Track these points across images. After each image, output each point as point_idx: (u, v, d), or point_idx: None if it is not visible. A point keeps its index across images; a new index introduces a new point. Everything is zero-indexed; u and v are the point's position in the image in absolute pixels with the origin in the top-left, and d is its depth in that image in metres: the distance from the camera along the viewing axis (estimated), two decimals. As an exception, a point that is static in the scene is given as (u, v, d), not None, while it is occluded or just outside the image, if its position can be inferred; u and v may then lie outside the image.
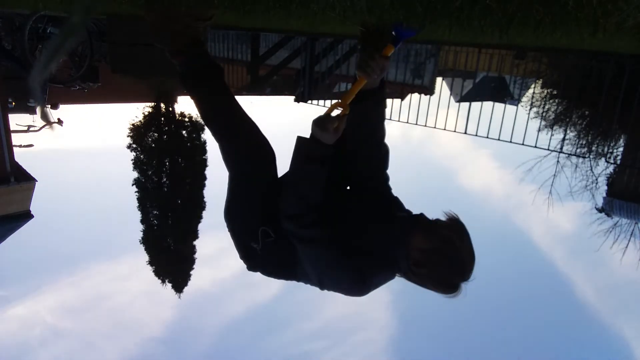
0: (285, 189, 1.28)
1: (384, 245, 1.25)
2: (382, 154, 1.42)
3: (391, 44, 1.20)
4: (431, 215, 1.28)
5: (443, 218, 1.23)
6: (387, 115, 6.81)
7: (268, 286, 14.97)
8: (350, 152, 1.38)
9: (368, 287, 1.26)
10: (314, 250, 1.26)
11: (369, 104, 1.28)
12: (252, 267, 1.47)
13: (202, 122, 1.54)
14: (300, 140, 1.24)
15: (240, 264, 1.50)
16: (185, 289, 13.90)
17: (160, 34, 1.40)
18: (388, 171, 1.46)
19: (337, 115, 1.19)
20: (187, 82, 1.45)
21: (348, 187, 1.48)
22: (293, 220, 1.24)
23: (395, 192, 1.48)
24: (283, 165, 1.54)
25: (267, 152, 1.47)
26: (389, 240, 1.25)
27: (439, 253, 1.18)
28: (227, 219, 1.47)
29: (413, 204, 1.40)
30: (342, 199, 1.38)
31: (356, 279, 1.24)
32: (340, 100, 1.20)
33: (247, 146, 1.44)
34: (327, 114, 1.18)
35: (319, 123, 1.17)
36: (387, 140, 1.42)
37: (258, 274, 1.50)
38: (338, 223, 1.28)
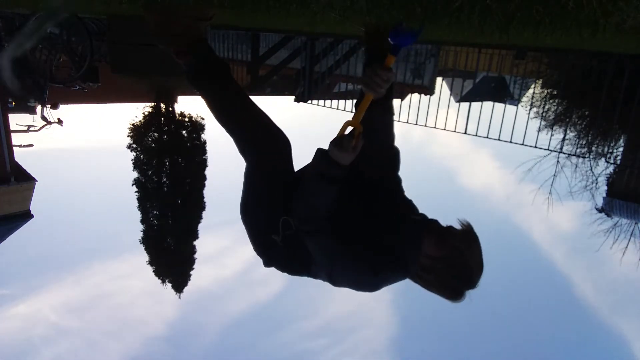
0: (297, 193, 1.28)
1: (396, 246, 1.26)
2: (391, 157, 1.42)
3: (391, 54, 1.15)
4: (446, 220, 1.27)
5: (457, 225, 1.23)
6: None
7: (269, 285, 15.01)
8: (360, 160, 1.36)
9: (380, 281, 1.27)
10: (324, 241, 1.27)
11: (375, 112, 1.27)
12: (269, 261, 1.47)
13: (216, 121, 1.52)
14: (318, 155, 1.22)
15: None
16: (186, 289, 13.92)
17: (160, 35, 1.40)
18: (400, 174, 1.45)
19: (353, 134, 1.17)
20: (194, 81, 1.45)
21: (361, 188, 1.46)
22: (307, 222, 1.26)
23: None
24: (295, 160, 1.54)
25: (282, 142, 1.47)
26: (401, 242, 1.25)
27: (447, 262, 1.19)
28: (245, 211, 1.46)
29: (416, 205, 1.39)
30: (356, 199, 1.37)
31: (368, 271, 1.25)
32: (351, 119, 1.18)
33: (262, 138, 1.44)
34: (342, 133, 1.17)
35: (338, 143, 1.16)
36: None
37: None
38: (351, 221, 1.28)
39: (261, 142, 1.44)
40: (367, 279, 1.27)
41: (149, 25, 1.41)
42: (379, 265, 1.25)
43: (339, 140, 1.16)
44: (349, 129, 1.19)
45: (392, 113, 1.39)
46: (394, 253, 1.25)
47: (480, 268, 1.21)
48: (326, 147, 1.44)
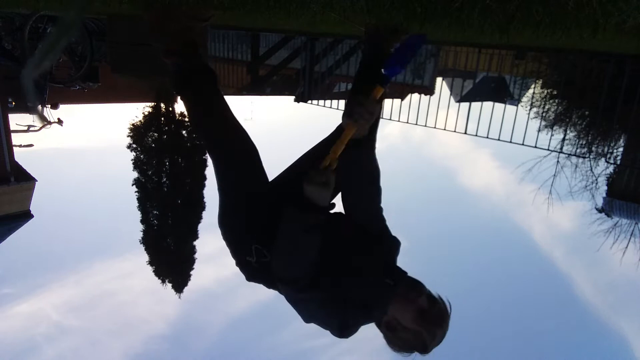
0: (279, 255, 1.22)
1: (369, 302, 1.26)
2: (378, 195, 1.36)
3: (380, 85, 1.06)
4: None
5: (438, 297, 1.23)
6: (388, 117, 6.83)
7: (268, 286, 14.95)
8: (347, 202, 1.34)
9: (349, 335, 1.29)
10: (306, 307, 1.27)
11: (359, 153, 1.19)
12: (250, 277, 1.44)
13: (192, 126, 1.47)
14: (291, 212, 1.14)
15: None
16: (186, 288, 13.93)
17: (158, 34, 1.40)
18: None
19: (328, 168, 1.07)
20: (176, 84, 1.43)
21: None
22: (289, 284, 1.23)
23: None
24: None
25: (254, 161, 1.43)
26: (374, 300, 1.25)
27: (407, 333, 1.20)
28: (221, 228, 1.44)
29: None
30: (338, 247, 1.31)
31: (341, 329, 1.26)
32: (329, 154, 1.08)
33: (233, 155, 1.40)
34: (318, 168, 1.08)
35: (312, 180, 1.07)
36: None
37: None
38: (333, 271, 1.25)
39: (234, 160, 1.40)
40: (339, 334, 1.28)
41: (148, 24, 1.41)
42: (352, 321, 1.26)
43: (314, 176, 1.07)
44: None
45: (374, 149, 1.36)
46: (366, 307, 1.25)
47: (439, 343, 1.22)
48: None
